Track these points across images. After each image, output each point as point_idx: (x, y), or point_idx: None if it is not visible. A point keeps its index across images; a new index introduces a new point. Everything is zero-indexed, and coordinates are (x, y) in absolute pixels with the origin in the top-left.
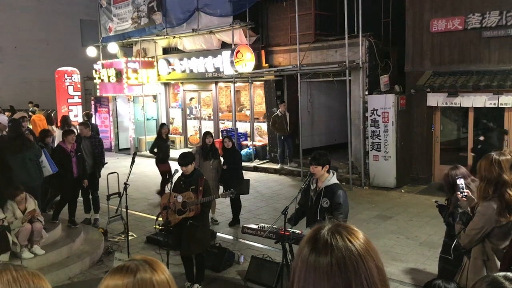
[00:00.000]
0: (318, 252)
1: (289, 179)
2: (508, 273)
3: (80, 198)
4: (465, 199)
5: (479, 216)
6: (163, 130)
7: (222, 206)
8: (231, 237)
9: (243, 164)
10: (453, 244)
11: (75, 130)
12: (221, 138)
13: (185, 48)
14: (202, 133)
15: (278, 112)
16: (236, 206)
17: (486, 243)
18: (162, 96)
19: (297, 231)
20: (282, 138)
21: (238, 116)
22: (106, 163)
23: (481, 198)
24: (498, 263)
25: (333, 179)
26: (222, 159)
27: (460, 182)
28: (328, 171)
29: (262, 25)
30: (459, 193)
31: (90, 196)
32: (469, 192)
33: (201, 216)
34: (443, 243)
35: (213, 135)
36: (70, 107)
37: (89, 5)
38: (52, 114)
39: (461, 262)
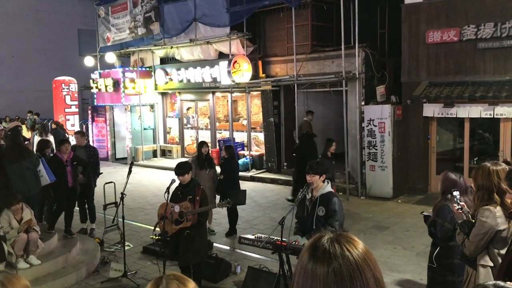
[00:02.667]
0: (316, 259)
1: (286, 189)
2: (498, 282)
3: (76, 208)
4: (460, 211)
5: (481, 222)
6: (331, 148)
7: (219, 216)
8: (227, 247)
9: (240, 174)
10: (435, 253)
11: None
12: (218, 148)
13: (183, 58)
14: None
15: (307, 119)
16: (233, 216)
17: (490, 249)
18: (159, 105)
19: (294, 241)
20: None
21: (235, 126)
22: (101, 173)
23: (480, 205)
24: None
25: (328, 187)
26: (218, 168)
27: (456, 194)
28: (323, 180)
29: (260, 36)
30: (455, 205)
31: (86, 206)
32: (465, 205)
33: (198, 226)
34: (430, 253)
35: (209, 144)
36: (67, 117)
37: (87, 15)
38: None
39: (446, 269)
